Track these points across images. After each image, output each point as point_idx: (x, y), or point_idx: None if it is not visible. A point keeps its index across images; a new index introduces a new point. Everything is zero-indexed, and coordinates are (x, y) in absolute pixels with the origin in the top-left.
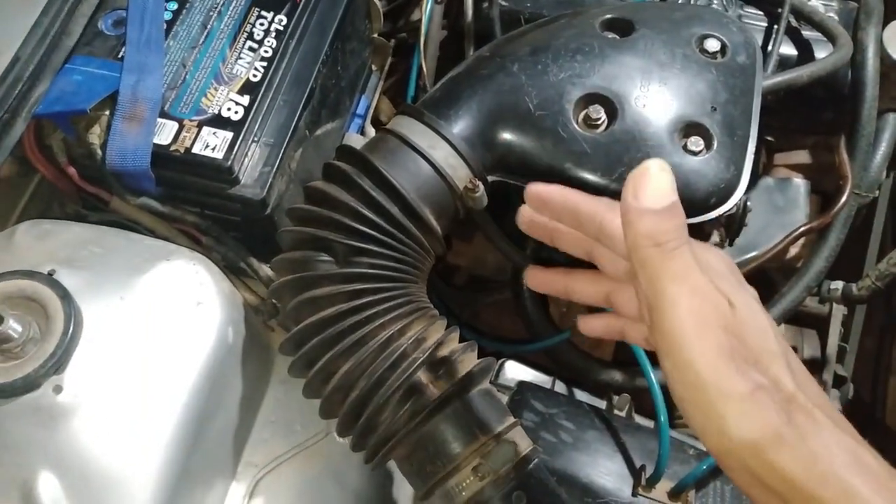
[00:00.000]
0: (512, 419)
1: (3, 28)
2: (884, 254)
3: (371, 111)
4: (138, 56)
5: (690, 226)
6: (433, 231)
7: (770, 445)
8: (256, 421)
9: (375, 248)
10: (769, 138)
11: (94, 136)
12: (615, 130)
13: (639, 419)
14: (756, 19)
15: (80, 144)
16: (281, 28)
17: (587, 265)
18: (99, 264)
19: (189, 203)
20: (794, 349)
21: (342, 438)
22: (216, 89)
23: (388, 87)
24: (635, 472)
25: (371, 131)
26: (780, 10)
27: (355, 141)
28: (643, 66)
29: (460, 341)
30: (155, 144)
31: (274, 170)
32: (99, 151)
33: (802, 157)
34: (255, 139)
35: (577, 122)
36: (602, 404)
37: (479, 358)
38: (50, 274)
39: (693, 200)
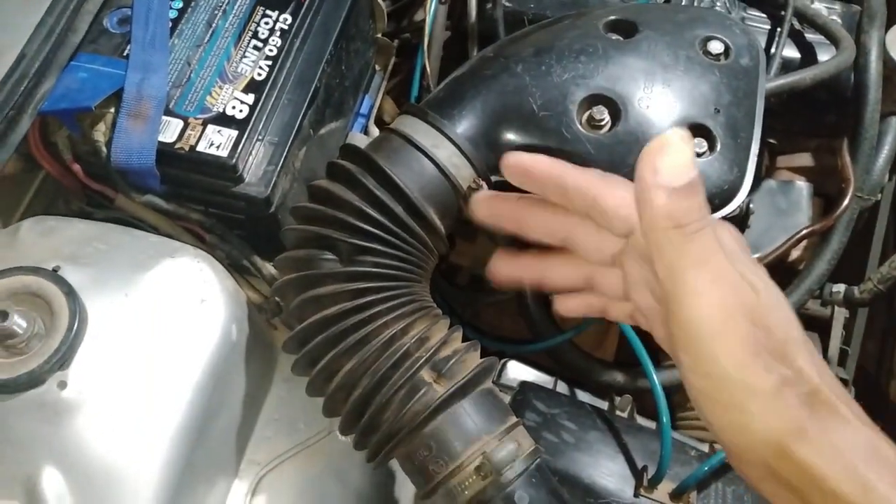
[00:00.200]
0: (514, 419)
1: (9, 25)
2: (886, 257)
3: (374, 111)
4: (143, 54)
5: None
6: (437, 230)
7: (792, 441)
8: (259, 419)
9: (379, 247)
10: (772, 141)
11: (100, 133)
12: (619, 132)
13: (641, 420)
14: (759, 22)
15: (86, 142)
16: (286, 27)
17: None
18: (103, 261)
19: (193, 201)
20: None
21: (344, 437)
22: (221, 88)
23: (392, 87)
24: (637, 473)
25: (374, 131)
26: (783, 12)
27: (359, 140)
28: (647, 68)
29: (463, 341)
30: (160, 142)
31: (278, 168)
32: (104, 149)
33: (805, 159)
34: (260, 138)
35: (581, 123)
36: (604, 405)
37: (481, 358)
38: (55, 270)
39: None
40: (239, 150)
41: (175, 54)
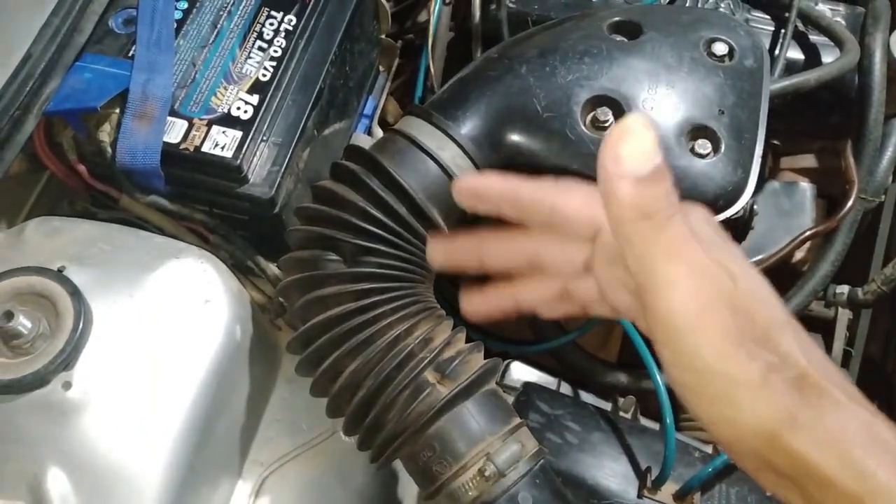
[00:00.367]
0: (518, 420)
1: (15, 25)
2: (889, 258)
3: (378, 112)
4: (149, 55)
5: None
6: (441, 231)
7: (784, 430)
8: (263, 419)
9: (383, 248)
10: (775, 142)
11: (105, 133)
12: None
13: (644, 421)
14: (763, 23)
15: (91, 142)
16: (290, 28)
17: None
18: (108, 262)
19: (198, 201)
20: None
21: (348, 437)
22: (226, 88)
23: (395, 88)
24: (641, 474)
25: (378, 132)
26: (787, 14)
27: (363, 141)
28: (651, 69)
29: (467, 341)
30: (165, 143)
31: (282, 169)
32: (109, 149)
33: (809, 161)
34: (264, 138)
35: (585, 124)
36: (607, 406)
37: (485, 359)
38: (60, 271)
39: (700, 204)
40: (243, 151)
41: (180, 55)
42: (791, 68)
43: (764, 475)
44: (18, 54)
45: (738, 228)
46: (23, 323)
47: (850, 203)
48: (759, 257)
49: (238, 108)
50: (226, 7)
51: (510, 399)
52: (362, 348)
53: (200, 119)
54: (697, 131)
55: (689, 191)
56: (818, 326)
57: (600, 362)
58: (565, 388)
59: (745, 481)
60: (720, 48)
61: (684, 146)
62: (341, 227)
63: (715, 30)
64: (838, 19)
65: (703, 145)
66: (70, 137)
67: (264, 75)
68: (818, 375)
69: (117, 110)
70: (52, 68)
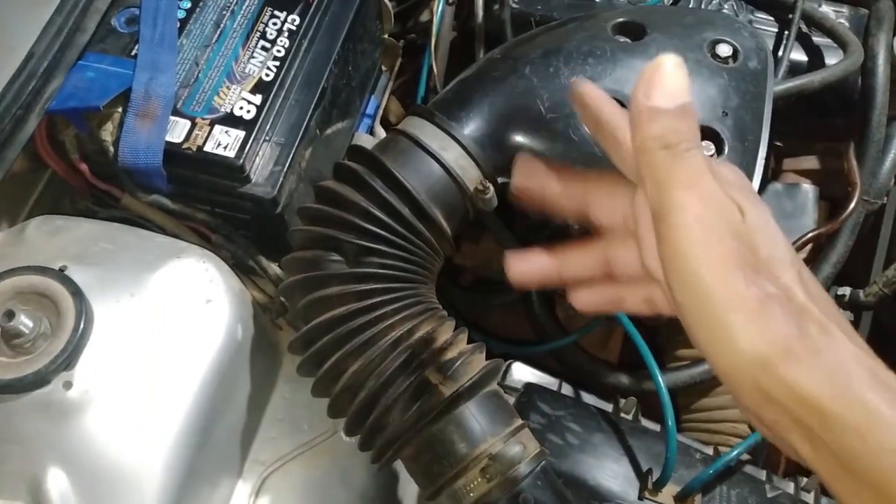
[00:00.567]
0: (520, 421)
1: (18, 24)
2: (891, 261)
3: (381, 111)
4: (151, 54)
5: None
6: (443, 232)
7: (781, 359)
8: (263, 419)
9: (385, 249)
10: (778, 143)
11: (107, 132)
12: None
13: (645, 422)
14: (767, 25)
15: (93, 141)
16: (294, 28)
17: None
18: (110, 261)
19: (200, 201)
20: None
21: (349, 438)
22: (229, 88)
23: (398, 88)
24: (642, 476)
25: (380, 131)
26: (790, 15)
27: (365, 141)
28: None
29: (469, 342)
30: (167, 142)
31: (285, 169)
32: (111, 148)
33: (811, 162)
34: (267, 138)
35: None
36: (608, 407)
37: (487, 359)
38: (61, 270)
39: None
40: (246, 151)
41: (183, 54)
42: (794, 70)
43: (766, 413)
44: (21, 53)
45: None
46: (24, 322)
47: (852, 205)
48: None
49: (241, 108)
50: (229, 6)
51: (511, 400)
52: (364, 349)
53: (203, 118)
54: (701, 133)
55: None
56: None
57: (602, 363)
58: (567, 389)
59: (746, 483)
60: (724, 50)
61: None
62: (344, 227)
63: (719, 31)
64: (842, 21)
65: (707, 147)
66: (72, 136)
67: (267, 75)
68: (818, 311)
69: (120, 109)
70: (54, 67)
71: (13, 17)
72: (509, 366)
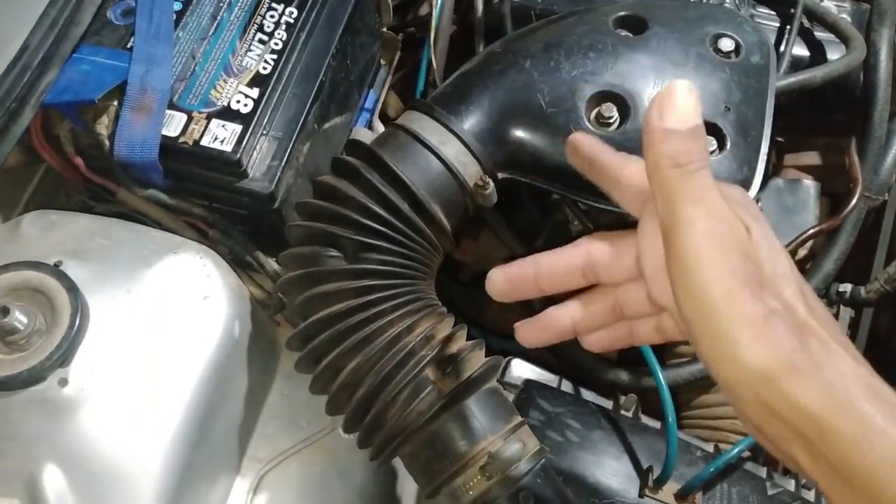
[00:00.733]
0: (519, 418)
1: (13, 16)
2: (892, 257)
3: (379, 105)
4: (147, 46)
5: None
6: (442, 228)
7: (784, 373)
8: (261, 416)
9: (384, 245)
10: (779, 139)
11: (102, 126)
12: (627, 129)
13: (645, 420)
14: (768, 19)
15: (88, 135)
16: (291, 20)
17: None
18: (106, 256)
19: (196, 196)
20: None
21: (348, 435)
22: (226, 81)
23: (396, 82)
24: (642, 473)
25: (379, 126)
26: (792, 10)
27: (363, 135)
28: (656, 65)
29: (468, 339)
30: (163, 136)
31: (282, 164)
32: (107, 142)
33: (813, 158)
34: (264, 132)
35: (590, 121)
36: (609, 404)
37: (486, 356)
38: (56, 265)
39: None
40: (243, 145)
41: (179, 47)
42: (796, 65)
43: (768, 425)
44: (15, 45)
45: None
46: (19, 318)
47: (853, 201)
48: None
49: (238, 102)
50: None
51: (511, 397)
52: (363, 346)
53: (200, 112)
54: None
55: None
56: None
57: (602, 360)
58: (566, 386)
59: (747, 481)
60: (726, 44)
61: None
62: (342, 223)
63: (721, 26)
64: (844, 15)
65: (709, 142)
66: (67, 130)
67: (265, 68)
68: (819, 326)
69: (115, 103)
70: (49, 60)
71: (7, 9)
72: (509, 362)
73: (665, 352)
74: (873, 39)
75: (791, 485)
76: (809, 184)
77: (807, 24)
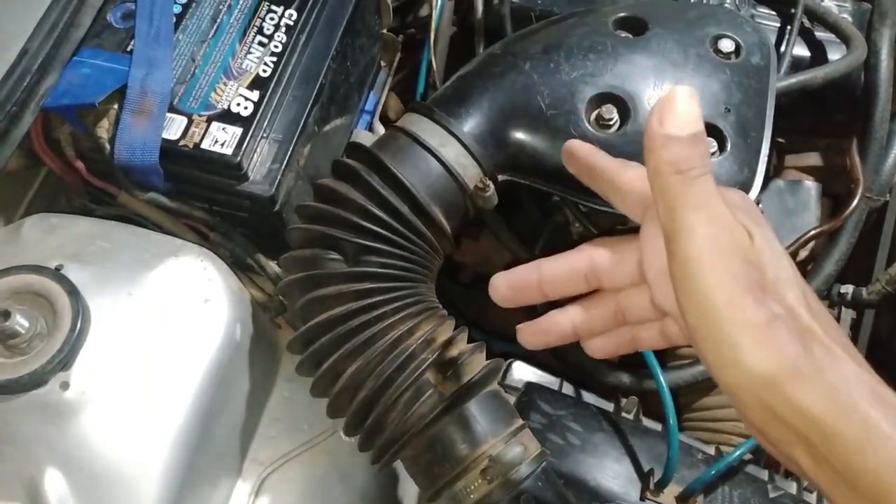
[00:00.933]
0: (520, 421)
1: (12, 20)
2: (894, 258)
3: (380, 107)
4: (147, 50)
5: None
6: (443, 230)
7: (787, 378)
8: (262, 419)
9: (385, 247)
10: (780, 140)
11: (103, 129)
12: (628, 131)
13: (647, 422)
14: (769, 19)
15: (89, 138)
16: (291, 23)
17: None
18: (107, 260)
19: (197, 198)
20: None
21: (349, 438)
22: (226, 84)
23: (397, 83)
24: (643, 476)
25: (379, 128)
26: (793, 10)
27: (364, 137)
28: (656, 66)
29: (469, 341)
30: (164, 139)
31: (283, 166)
32: (107, 145)
33: (814, 159)
34: (265, 135)
35: (590, 122)
36: (610, 406)
37: (487, 358)
38: (57, 269)
39: None
40: (244, 148)
41: (179, 50)
42: (797, 65)
43: (772, 429)
44: (15, 49)
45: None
46: (20, 322)
47: (855, 202)
48: None
49: (238, 105)
50: (226, 1)
51: (512, 399)
52: (363, 349)
53: (200, 115)
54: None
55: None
56: None
57: (603, 362)
58: (567, 389)
59: (748, 484)
60: (727, 45)
61: None
62: (342, 225)
63: (721, 26)
64: (844, 15)
65: (709, 144)
66: (68, 133)
67: (265, 71)
68: (822, 331)
69: (116, 106)
70: (49, 63)
71: (7, 13)
72: (510, 365)
73: (666, 354)
74: (874, 39)
75: (793, 487)
76: (810, 185)
77: (807, 24)
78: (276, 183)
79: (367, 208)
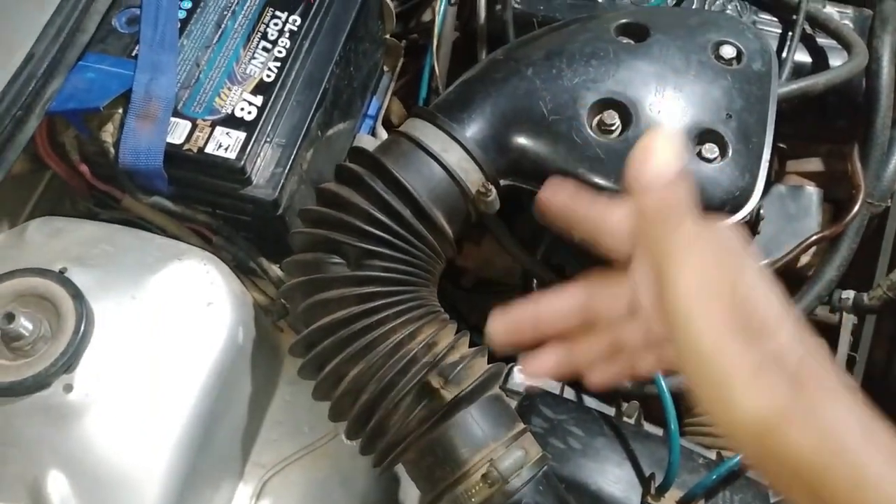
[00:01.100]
0: (521, 426)
1: (18, 25)
2: (895, 264)
3: (382, 112)
4: (152, 54)
5: None
6: (445, 235)
7: (778, 422)
8: (264, 422)
9: (387, 252)
10: (782, 145)
11: (107, 134)
12: (629, 136)
13: (648, 427)
14: (770, 26)
15: (93, 142)
16: (295, 28)
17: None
18: (110, 263)
19: (201, 202)
20: None
21: (350, 441)
22: (230, 89)
23: (399, 88)
24: (644, 481)
25: (382, 132)
26: (794, 16)
27: (366, 142)
28: (658, 72)
29: (470, 346)
30: (168, 143)
31: (286, 170)
32: (112, 150)
33: (815, 164)
34: (268, 140)
35: (591, 128)
36: (611, 411)
37: (488, 363)
38: (61, 272)
39: (707, 208)
40: (247, 153)
41: (184, 55)
42: (798, 71)
43: (766, 467)
44: (21, 53)
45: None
46: (24, 325)
47: (856, 208)
48: (765, 261)
49: (242, 109)
50: (230, 7)
51: (513, 404)
52: (365, 353)
53: (204, 120)
54: (705, 135)
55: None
56: (823, 331)
57: None
58: (569, 393)
59: (749, 488)
60: (728, 51)
61: (691, 150)
62: (345, 230)
63: (723, 33)
64: (846, 22)
65: (711, 149)
66: (72, 137)
67: (268, 76)
68: (814, 369)
69: (120, 110)
70: (54, 68)
71: (13, 18)
72: (511, 369)
73: None
74: (875, 46)
75: None
76: (812, 190)
77: (809, 30)
78: (280, 187)
79: (370, 212)
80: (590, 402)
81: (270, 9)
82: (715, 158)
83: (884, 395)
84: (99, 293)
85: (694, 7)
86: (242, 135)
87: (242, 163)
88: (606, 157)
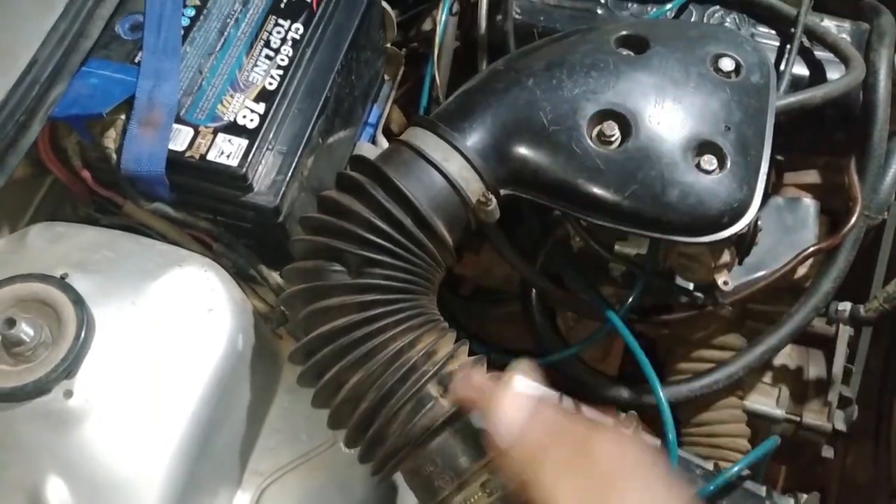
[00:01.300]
0: None
1: (22, 30)
2: (892, 276)
3: (383, 121)
4: (155, 61)
5: (701, 245)
6: (445, 243)
7: None
8: (263, 429)
9: (388, 260)
10: (779, 157)
11: (110, 140)
12: (629, 148)
13: (645, 437)
14: (768, 39)
15: (96, 148)
16: (297, 37)
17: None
18: (111, 269)
19: (202, 209)
20: (800, 369)
21: (349, 449)
22: (232, 96)
23: (400, 97)
24: None
25: (382, 140)
26: (793, 30)
27: (367, 150)
28: (658, 84)
29: (469, 354)
30: (170, 150)
31: (287, 178)
32: (114, 156)
33: (812, 177)
34: (270, 147)
35: (591, 139)
36: (608, 421)
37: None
38: (62, 278)
39: (705, 220)
40: (249, 160)
41: (187, 62)
42: (796, 84)
43: None
44: (24, 59)
45: (743, 245)
46: (25, 330)
47: (853, 220)
48: (762, 273)
49: (244, 117)
50: (233, 15)
51: None
52: (365, 361)
53: (206, 127)
54: (703, 147)
55: (693, 207)
56: (819, 343)
57: (602, 376)
58: (567, 403)
59: (747, 499)
60: (727, 64)
61: (690, 162)
62: (346, 238)
63: (722, 45)
64: (843, 35)
65: (709, 161)
66: (75, 143)
67: (271, 84)
68: None
69: (123, 116)
70: (57, 73)
71: (17, 23)
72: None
73: (665, 368)
74: (872, 59)
75: (790, 503)
76: (809, 202)
77: (807, 43)
78: (281, 194)
79: (370, 221)
80: (588, 412)
81: (273, 17)
82: (713, 170)
83: (880, 406)
84: (100, 299)
85: (693, 20)
86: (244, 142)
87: (244, 170)
88: (606, 168)
